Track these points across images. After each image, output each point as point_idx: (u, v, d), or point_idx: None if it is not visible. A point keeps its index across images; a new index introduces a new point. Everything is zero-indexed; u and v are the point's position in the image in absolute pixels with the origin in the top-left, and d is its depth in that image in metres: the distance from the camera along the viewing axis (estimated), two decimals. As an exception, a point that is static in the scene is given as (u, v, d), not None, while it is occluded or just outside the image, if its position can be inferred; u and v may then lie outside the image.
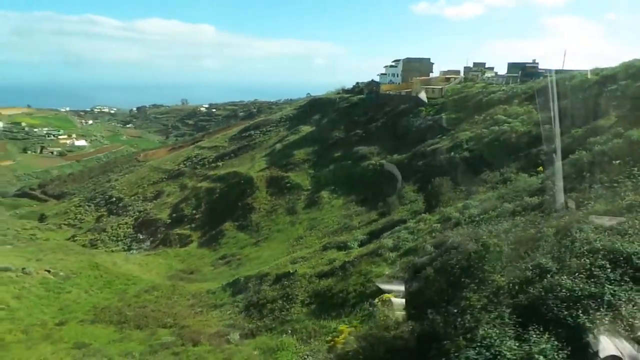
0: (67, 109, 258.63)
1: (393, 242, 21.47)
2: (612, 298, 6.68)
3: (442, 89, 51.75)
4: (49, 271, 29.22)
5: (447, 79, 55.58)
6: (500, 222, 17.44)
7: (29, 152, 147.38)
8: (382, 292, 14.59)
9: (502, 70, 57.00)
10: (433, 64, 63.82)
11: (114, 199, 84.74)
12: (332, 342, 10.50)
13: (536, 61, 50.07)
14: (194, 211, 61.09)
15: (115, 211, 78.58)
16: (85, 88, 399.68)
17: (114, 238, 63.56)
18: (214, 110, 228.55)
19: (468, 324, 7.33)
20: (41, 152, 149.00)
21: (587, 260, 7.67)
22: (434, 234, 20.35)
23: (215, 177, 67.20)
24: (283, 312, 19.94)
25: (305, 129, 70.21)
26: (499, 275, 8.50)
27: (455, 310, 7.82)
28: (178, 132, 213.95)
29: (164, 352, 18.13)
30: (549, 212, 15.96)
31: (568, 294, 6.92)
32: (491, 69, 58.31)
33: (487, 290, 8.14)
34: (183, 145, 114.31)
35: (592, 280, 7.17)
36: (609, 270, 7.30)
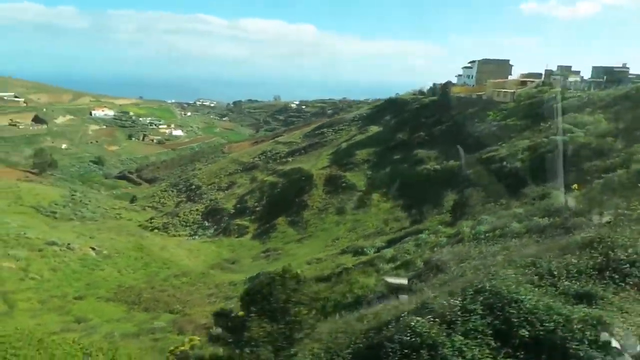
0: (173, 100, 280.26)
1: (394, 253, 20.18)
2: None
3: (513, 92, 47.76)
4: (93, 248, 31.77)
5: (523, 83, 51.16)
6: (495, 244, 15.77)
7: (133, 139, 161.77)
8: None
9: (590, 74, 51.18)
10: (512, 66, 59.24)
11: (194, 186, 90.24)
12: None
13: (627, 65, 44.10)
14: (256, 204, 62.91)
15: (192, 198, 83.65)
16: (192, 82, 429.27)
17: (184, 223, 67.59)
18: (303, 107, 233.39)
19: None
20: (143, 139, 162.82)
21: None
22: (435, 249, 18.81)
23: (281, 172, 68.58)
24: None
25: (374, 129, 69.02)
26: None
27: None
28: (268, 126, 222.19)
29: (147, 336, 18.79)
30: (551, 236, 14.00)
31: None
32: (577, 72, 52.55)
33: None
34: (265, 140, 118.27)
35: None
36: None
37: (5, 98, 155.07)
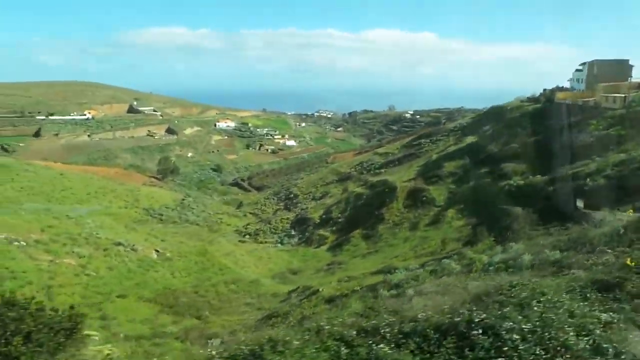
0: (293, 112, 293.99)
1: (403, 278, 18.17)
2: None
3: (625, 97, 40.74)
4: (157, 251, 34.11)
5: (640, 86, 43.43)
6: (491, 279, 13.37)
7: (250, 148, 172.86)
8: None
9: None
10: (632, 66, 50.50)
11: (292, 195, 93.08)
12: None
13: None
14: (340, 215, 62.54)
15: (288, 206, 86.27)
16: (314, 94, 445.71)
17: (274, 230, 69.80)
18: (418, 116, 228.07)
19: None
20: (259, 149, 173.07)
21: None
22: (441, 277, 16.59)
23: (369, 183, 67.33)
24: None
25: (469, 139, 64.45)
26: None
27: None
28: (381, 136, 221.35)
29: (149, 340, 19.43)
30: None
31: None
32: None
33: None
34: (368, 150, 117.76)
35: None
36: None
37: (146, 112, 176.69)
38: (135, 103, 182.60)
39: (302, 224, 67.82)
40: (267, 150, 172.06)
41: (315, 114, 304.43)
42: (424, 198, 50.05)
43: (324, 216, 65.87)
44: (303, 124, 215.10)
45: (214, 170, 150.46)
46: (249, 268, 40.82)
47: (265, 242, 63.96)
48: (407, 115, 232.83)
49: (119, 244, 31.57)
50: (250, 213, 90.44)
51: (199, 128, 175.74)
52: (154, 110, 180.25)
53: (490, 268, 15.26)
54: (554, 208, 26.51)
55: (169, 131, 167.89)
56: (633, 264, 8.25)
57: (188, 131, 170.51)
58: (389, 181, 60.74)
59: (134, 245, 32.31)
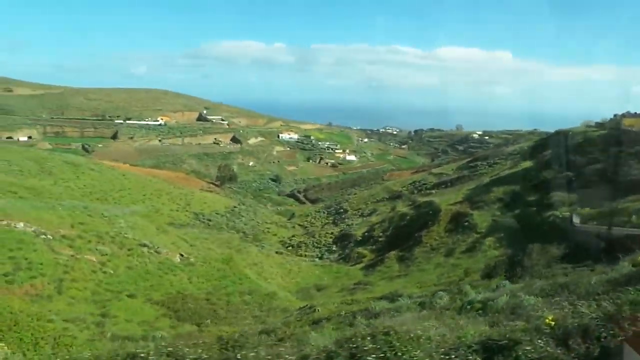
0: (358, 127, 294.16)
1: (389, 307, 17.01)
2: None
3: (698, 127, 36.36)
4: (181, 255, 34.88)
5: None
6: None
7: (310, 161, 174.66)
8: None
9: None
10: None
11: (342, 210, 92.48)
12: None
13: None
14: (381, 234, 61.01)
15: (336, 221, 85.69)
16: (382, 110, 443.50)
17: (316, 244, 69.49)
18: (486, 137, 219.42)
19: None
20: (319, 162, 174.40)
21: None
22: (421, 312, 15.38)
23: (416, 204, 65.25)
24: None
25: (525, 164, 60.70)
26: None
27: None
28: (446, 156, 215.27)
29: (135, 342, 19.65)
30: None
31: None
32: None
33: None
34: (426, 169, 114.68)
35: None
36: None
37: (214, 121, 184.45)
38: (205, 112, 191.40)
39: (344, 240, 66.97)
40: (327, 163, 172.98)
41: (381, 130, 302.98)
42: (466, 223, 47.54)
43: (366, 234, 64.64)
44: (365, 140, 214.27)
45: (273, 180, 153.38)
46: (274, 280, 40.68)
47: (305, 255, 63.80)
48: (475, 136, 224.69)
49: (144, 245, 32.60)
50: (299, 225, 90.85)
51: (262, 138, 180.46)
52: (222, 120, 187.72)
53: (468, 307, 13.91)
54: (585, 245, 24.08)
55: (234, 140, 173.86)
56: (552, 323, 6.96)
57: (252, 141, 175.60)
58: (435, 203, 58.46)
59: (158, 247, 33.23)
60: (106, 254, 29.17)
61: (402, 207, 69.18)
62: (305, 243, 70.88)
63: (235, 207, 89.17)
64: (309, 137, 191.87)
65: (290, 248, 69.79)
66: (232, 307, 28.80)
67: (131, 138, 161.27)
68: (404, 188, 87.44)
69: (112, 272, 27.96)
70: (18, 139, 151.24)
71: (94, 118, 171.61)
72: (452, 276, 31.92)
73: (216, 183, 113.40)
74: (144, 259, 31.19)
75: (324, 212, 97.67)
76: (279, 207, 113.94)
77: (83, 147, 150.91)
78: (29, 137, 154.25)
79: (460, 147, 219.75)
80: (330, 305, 24.45)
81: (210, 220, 73.23)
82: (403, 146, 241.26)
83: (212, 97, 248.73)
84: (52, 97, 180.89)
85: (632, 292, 8.06)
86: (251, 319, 27.46)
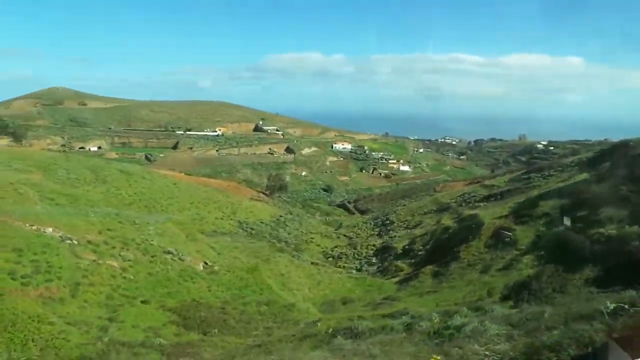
0: (415, 137, 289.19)
1: (367, 328, 16.05)
2: None
3: None
4: (206, 263, 35.41)
5: None
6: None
7: (364, 171, 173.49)
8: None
9: None
10: None
11: (388, 222, 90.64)
12: None
13: None
14: (421, 247, 58.95)
15: (381, 233, 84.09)
16: (442, 120, 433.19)
17: (357, 256, 68.37)
18: (551, 147, 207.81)
19: None
20: (372, 172, 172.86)
21: None
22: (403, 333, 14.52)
23: (460, 217, 62.54)
24: None
25: (581, 177, 56.42)
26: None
27: None
28: (507, 167, 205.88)
29: (131, 348, 19.96)
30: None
31: None
32: None
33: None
34: (480, 181, 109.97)
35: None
36: None
37: (269, 131, 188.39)
38: (261, 122, 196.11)
39: (385, 252, 65.46)
40: (380, 174, 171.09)
41: (440, 140, 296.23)
42: (508, 239, 44.78)
43: (406, 247, 62.77)
44: (421, 150, 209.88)
45: (325, 190, 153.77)
46: (300, 291, 40.29)
47: (344, 266, 62.95)
48: (539, 146, 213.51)
49: (168, 252, 33.40)
50: (345, 236, 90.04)
51: (316, 148, 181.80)
52: (277, 130, 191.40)
53: (444, 331, 12.84)
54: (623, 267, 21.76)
55: (288, 150, 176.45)
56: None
57: (305, 151, 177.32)
58: (478, 217, 55.67)
59: (182, 255, 33.94)
60: (129, 260, 30.12)
61: (447, 220, 66.59)
62: (345, 254, 70.06)
63: (281, 216, 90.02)
64: (363, 147, 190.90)
65: (330, 259, 69.27)
66: (245, 317, 28.71)
67: (190, 148, 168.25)
68: (453, 200, 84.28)
69: (132, 277, 28.78)
70: (89, 149, 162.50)
71: (158, 129, 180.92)
72: (477, 295, 30.00)
73: (266, 192, 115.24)
74: (167, 266, 31.91)
75: (370, 224, 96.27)
76: (327, 217, 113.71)
77: (146, 157, 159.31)
78: (99, 147, 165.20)
79: (523, 158, 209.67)
80: (332, 321, 23.66)
81: (253, 229, 74.29)
82: (462, 157, 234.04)
83: (270, 108, 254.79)
84: (121, 110, 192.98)
85: (552, 336, 6.94)
86: (262, 330, 27.22)
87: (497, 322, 11.90)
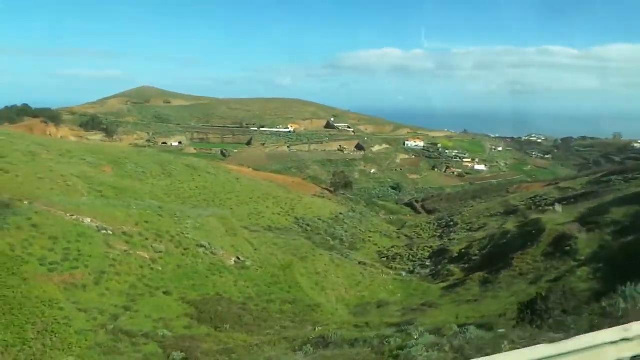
0: (496, 135, 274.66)
1: (339, 338, 15.06)
2: None
3: None
4: (238, 258, 35.91)
5: None
6: None
7: (436, 170, 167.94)
8: None
9: None
10: None
11: (452, 223, 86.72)
12: None
13: None
14: (477, 252, 55.51)
15: (442, 235, 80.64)
16: (529, 116, 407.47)
17: (411, 258, 66.02)
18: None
19: None
20: (445, 171, 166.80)
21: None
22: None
23: (524, 221, 58.10)
24: None
25: (666, 181, 49.95)
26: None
27: None
28: (598, 168, 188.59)
29: (132, 338, 20.59)
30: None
31: None
32: None
33: None
34: (557, 183, 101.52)
35: None
36: None
37: (340, 128, 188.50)
38: (332, 119, 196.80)
39: (440, 255, 62.59)
40: (453, 173, 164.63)
41: (524, 138, 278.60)
42: (568, 247, 40.79)
43: (463, 250, 59.54)
44: (499, 148, 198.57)
45: (393, 188, 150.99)
46: (335, 291, 39.57)
47: (395, 268, 61.15)
48: (637, 145, 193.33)
49: (201, 245, 34.27)
50: (406, 236, 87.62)
51: (387, 146, 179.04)
52: (348, 127, 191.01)
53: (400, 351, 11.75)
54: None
55: (358, 147, 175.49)
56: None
57: (376, 148, 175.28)
58: (541, 222, 51.37)
59: (215, 249, 34.68)
60: (160, 252, 31.27)
61: (510, 224, 62.21)
62: (400, 255, 68.01)
63: (341, 213, 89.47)
64: (436, 145, 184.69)
65: (384, 259, 67.69)
66: (264, 314, 28.69)
67: (263, 144, 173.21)
68: (522, 203, 78.69)
69: (160, 268, 29.84)
70: (171, 144, 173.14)
71: (233, 126, 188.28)
72: (509, 309, 27.46)
73: (330, 189, 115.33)
74: (197, 259, 32.74)
75: (434, 224, 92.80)
76: (391, 216, 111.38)
77: (221, 152, 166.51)
78: (180, 143, 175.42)
79: (617, 158, 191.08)
80: (333, 326, 22.78)
81: (309, 225, 74.56)
82: (546, 156, 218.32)
83: (345, 105, 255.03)
84: (201, 108, 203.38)
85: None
86: (278, 328, 27.00)
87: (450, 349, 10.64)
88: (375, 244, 77.90)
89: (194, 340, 22.32)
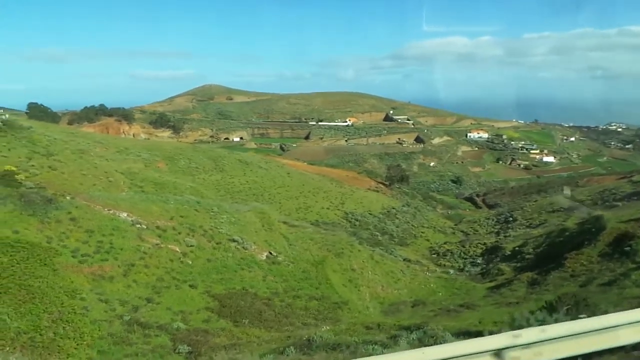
0: (571, 124, 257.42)
1: (323, 341, 14.48)
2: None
3: None
4: (271, 253, 36.15)
5: None
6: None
7: (500, 162, 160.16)
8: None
9: None
10: None
11: (511, 219, 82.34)
12: None
13: None
14: (532, 250, 52.09)
15: (500, 231, 76.73)
16: (609, 104, 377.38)
17: (463, 255, 63.28)
18: None
19: None
20: (510, 163, 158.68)
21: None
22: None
23: (581, 218, 53.80)
24: None
25: None
26: None
27: None
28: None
29: (145, 329, 21.26)
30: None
31: None
32: None
33: None
34: (632, 176, 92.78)
35: None
36: None
37: (399, 120, 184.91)
38: (391, 112, 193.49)
39: (493, 253, 59.54)
40: (519, 165, 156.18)
41: (602, 127, 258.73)
42: (628, 248, 37.17)
43: (516, 248, 56.21)
44: (571, 139, 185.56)
45: (453, 181, 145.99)
46: (370, 289, 38.73)
47: (444, 265, 59.02)
48: None
49: (233, 240, 34.86)
50: (462, 231, 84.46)
51: (448, 138, 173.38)
52: (407, 119, 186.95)
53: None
54: None
55: (418, 140, 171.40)
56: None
57: (436, 140, 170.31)
58: (602, 219, 47.19)
59: (246, 243, 35.16)
60: (191, 245, 32.16)
61: (571, 221, 57.88)
62: (452, 252, 65.53)
63: (393, 208, 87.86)
64: (501, 136, 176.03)
65: (435, 256, 65.61)
66: (287, 310, 28.66)
67: (321, 138, 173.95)
68: (589, 197, 72.97)
69: (190, 262, 30.69)
70: (232, 139, 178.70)
71: (292, 120, 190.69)
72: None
73: (386, 183, 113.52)
74: (228, 253, 33.34)
75: (492, 220, 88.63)
76: (449, 211, 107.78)
77: (281, 147, 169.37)
78: (241, 138, 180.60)
79: None
80: (342, 326, 22.13)
81: (358, 220, 73.85)
82: (627, 146, 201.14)
83: (408, 96, 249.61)
84: (262, 103, 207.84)
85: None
86: (299, 325, 26.87)
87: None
88: (428, 240, 75.79)
89: (207, 334, 22.68)
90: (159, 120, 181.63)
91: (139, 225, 31.47)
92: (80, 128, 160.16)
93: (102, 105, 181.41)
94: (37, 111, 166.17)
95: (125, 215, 31.95)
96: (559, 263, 41.05)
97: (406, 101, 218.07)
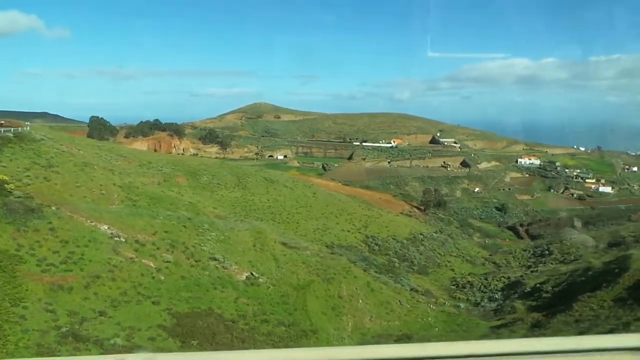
0: (638, 153, 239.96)
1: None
2: None
3: None
4: (252, 274, 35.60)
5: None
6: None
7: (552, 191, 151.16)
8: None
9: None
10: None
11: (547, 252, 76.93)
12: None
13: None
14: (550, 288, 48.04)
15: (533, 265, 71.73)
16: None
17: (483, 288, 59.51)
18: None
19: None
20: (562, 192, 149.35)
21: None
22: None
23: (613, 257, 49.04)
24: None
25: None
26: None
27: None
28: None
29: (82, 344, 21.21)
30: None
31: None
32: None
33: None
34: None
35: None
36: None
37: (446, 143, 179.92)
38: (438, 134, 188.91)
39: (513, 288, 55.67)
40: (572, 195, 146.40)
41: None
42: (644, 293, 33.39)
43: (538, 285, 52.16)
44: (634, 168, 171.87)
45: (498, 209, 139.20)
46: (354, 319, 37.00)
47: (460, 298, 55.75)
48: None
49: (215, 259, 34.75)
50: (494, 263, 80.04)
51: (496, 163, 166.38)
52: (455, 143, 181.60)
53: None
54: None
55: (464, 164, 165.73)
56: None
57: (483, 165, 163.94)
58: (629, 259, 42.96)
59: (226, 263, 34.87)
60: (168, 261, 32.32)
61: (603, 259, 53.05)
62: (471, 284, 61.94)
63: (421, 234, 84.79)
64: (554, 163, 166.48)
65: (453, 287, 62.28)
66: (246, 335, 27.91)
67: (363, 159, 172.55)
68: (632, 234, 66.70)
69: (162, 278, 30.79)
70: (276, 157, 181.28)
71: (336, 140, 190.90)
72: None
73: (421, 207, 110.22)
74: (205, 271, 33.21)
75: (529, 252, 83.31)
76: (487, 240, 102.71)
77: (322, 166, 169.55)
78: (285, 156, 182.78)
79: None
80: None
81: (378, 245, 71.77)
82: None
83: (462, 119, 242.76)
84: (308, 122, 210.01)
85: None
86: (250, 350, 25.96)
87: None
88: (452, 270, 72.27)
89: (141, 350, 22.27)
90: (208, 136, 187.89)
91: (117, 239, 32.05)
92: (133, 142, 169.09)
93: (156, 120, 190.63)
94: (97, 124, 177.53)
95: (106, 227, 32.66)
96: (569, 305, 37.59)
97: (455, 124, 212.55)
